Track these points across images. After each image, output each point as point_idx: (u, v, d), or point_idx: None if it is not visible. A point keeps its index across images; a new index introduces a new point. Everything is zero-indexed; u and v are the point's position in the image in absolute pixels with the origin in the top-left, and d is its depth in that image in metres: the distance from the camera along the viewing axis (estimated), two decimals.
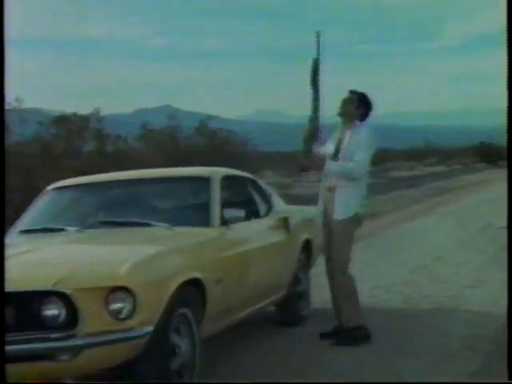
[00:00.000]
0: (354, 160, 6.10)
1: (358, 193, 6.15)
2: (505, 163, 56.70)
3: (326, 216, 6.27)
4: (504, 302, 7.25)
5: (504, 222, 13.97)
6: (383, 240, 13.00)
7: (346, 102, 6.28)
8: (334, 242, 6.17)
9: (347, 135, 6.20)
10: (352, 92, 6.34)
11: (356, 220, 6.18)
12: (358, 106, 6.27)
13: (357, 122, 6.25)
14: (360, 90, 6.43)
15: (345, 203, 6.10)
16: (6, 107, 15.01)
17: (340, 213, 6.12)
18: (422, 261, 10.32)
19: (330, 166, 6.20)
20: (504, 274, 8.75)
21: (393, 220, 16.71)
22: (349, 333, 6.07)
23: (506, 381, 3.96)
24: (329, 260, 6.29)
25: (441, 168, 49.65)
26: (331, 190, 6.21)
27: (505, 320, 6.60)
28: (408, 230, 14.57)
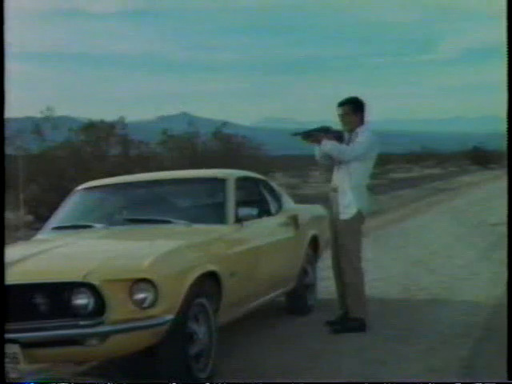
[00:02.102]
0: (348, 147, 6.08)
1: (359, 192, 6.11)
2: (495, 166, 56.55)
3: (332, 215, 6.26)
4: (494, 292, 7.27)
5: (495, 220, 13.97)
6: (384, 236, 12.97)
7: (343, 117, 6.17)
8: (341, 240, 6.14)
9: (351, 139, 6.18)
10: (341, 104, 6.18)
11: (359, 217, 6.15)
12: (354, 113, 6.16)
13: (359, 129, 6.16)
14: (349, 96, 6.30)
15: (347, 203, 6.08)
16: (39, 115, 15.07)
17: (343, 213, 6.10)
18: (419, 255, 10.30)
19: (326, 144, 6.08)
20: (494, 268, 8.75)
21: (393, 218, 16.66)
22: (349, 322, 6.05)
23: (506, 381, 3.86)
24: (335, 256, 6.27)
25: (437, 170, 49.47)
26: (335, 190, 6.20)
27: (495, 309, 6.60)
28: (407, 227, 14.54)
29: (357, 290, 6.11)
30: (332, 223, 6.29)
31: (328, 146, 6.09)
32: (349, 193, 6.07)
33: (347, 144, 6.17)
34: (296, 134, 6.29)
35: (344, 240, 6.13)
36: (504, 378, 4.00)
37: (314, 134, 6.18)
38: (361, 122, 6.19)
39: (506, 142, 4.00)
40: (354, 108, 6.18)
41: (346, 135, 6.24)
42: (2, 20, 3.83)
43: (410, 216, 16.95)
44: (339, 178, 6.17)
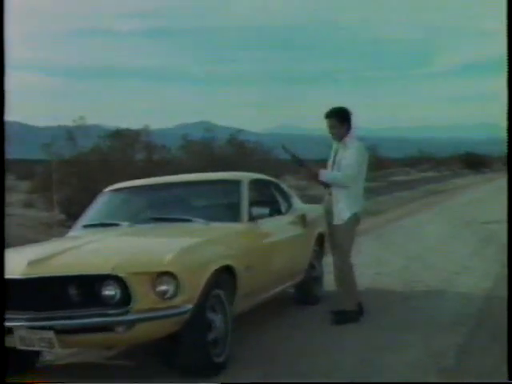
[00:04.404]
0: (342, 171, 5.95)
1: (352, 197, 5.99)
2: (486, 170, 56.30)
3: (328, 216, 6.19)
4: (485, 285, 7.24)
5: (485, 219, 13.90)
6: (385, 233, 12.94)
7: (330, 128, 6.03)
8: (337, 239, 6.08)
9: (340, 150, 6.04)
10: (328, 116, 6.02)
11: (353, 219, 6.05)
12: (341, 125, 6.00)
13: (347, 139, 6.00)
14: (338, 106, 6.10)
15: (341, 209, 5.98)
16: (72, 124, 15.11)
17: (338, 218, 6.01)
18: (417, 250, 10.26)
19: (323, 175, 6.01)
20: (485, 262, 8.72)
21: (392, 217, 16.61)
22: (346, 314, 5.96)
23: (506, 381, 3.77)
24: (334, 253, 6.24)
25: (432, 173, 49.25)
26: (330, 193, 6.13)
27: (486, 300, 6.57)
28: (405, 225, 14.47)
29: (349, 280, 6.03)
30: (328, 224, 6.23)
31: (326, 176, 6.00)
32: (342, 199, 5.97)
33: (336, 154, 6.06)
34: (285, 149, 6.17)
35: (339, 240, 6.06)
36: (501, 370, 3.96)
37: (310, 167, 6.10)
38: (348, 130, 6.02)
39: (506, 145, 3.94)
40: (340, 120, 6.02)
41: (335, 144, 6.12)
42: (2, 25, 3.74)
43: (408, 215, 16.89)
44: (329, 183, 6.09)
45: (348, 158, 5.96)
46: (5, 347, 4.01)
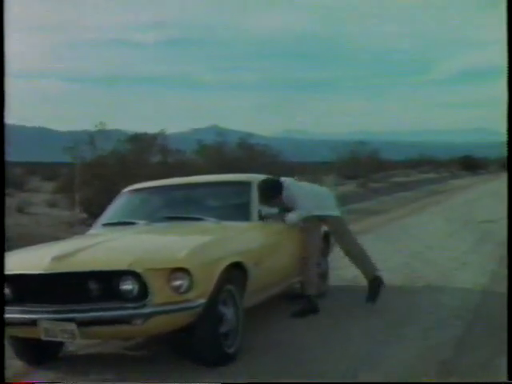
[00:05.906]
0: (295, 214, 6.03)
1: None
2: (482, 172, 56.10)
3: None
4: (481, 281, 7.21)
5: (482, 218, 13.84)
6: (386, 232, 12.90)
7: (275, 205, 5.98)
8: (345, 228, 6.53)
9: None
10: (268, 198, 5.92)
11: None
12: (278, 195, 6.01)
13: (285, 192, 6.04)
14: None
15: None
16: (93, 128, 15.14)
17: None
18: (417, 248, 10.22)
19: (291, 219, 6.00)
20: (481, 260, 8.68)
21: (394, 216, 16.56)
22: (376, 280, 6.34)
23: (506, 381, 3.69)
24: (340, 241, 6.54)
25: (432, 175, 49.09)
26: None
27: (483, 295, 6.54)
28: (406, 224, 14.41)
29: (365, 254, 6.45)
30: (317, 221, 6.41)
31: (294, 219, 6.02)
32: None
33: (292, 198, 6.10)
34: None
35: (346, 227, 6.60)
36: (501, 373, 3.92)
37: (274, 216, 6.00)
38: (280, 196, 6.01)
39: (507, 146, 3.90)
40: (274, 194, 5.98)
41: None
42: (2, 29, 3.71)
43: (409, 215, 16.83)
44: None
45: (296, 208, 6.05)
46: (4, 347, 3.99)
